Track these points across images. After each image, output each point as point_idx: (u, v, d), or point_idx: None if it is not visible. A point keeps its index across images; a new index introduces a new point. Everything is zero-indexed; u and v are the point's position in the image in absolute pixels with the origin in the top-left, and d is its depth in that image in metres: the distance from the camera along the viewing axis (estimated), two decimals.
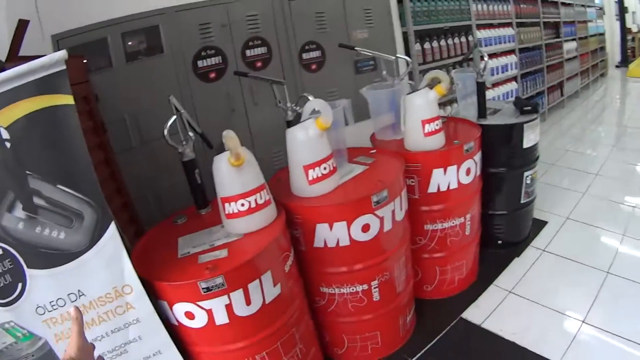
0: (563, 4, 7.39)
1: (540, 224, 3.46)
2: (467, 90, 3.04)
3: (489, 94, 4.83)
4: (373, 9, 3.47)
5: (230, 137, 1.62)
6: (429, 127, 2.33)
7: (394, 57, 2.78)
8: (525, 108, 2.99)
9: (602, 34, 10.25)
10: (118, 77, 2.41)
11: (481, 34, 4.84)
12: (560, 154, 5.15)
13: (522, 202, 3.10)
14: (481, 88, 2.90)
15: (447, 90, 2.38)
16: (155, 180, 2.52)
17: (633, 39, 13.65)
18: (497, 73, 5.23)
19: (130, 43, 2.43)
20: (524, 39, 5.86)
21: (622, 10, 12.05)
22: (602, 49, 10.30)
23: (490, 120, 2.94)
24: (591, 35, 9.13)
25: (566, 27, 7.51)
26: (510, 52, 5.53)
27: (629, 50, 12.72)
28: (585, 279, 2.77)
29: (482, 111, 2.94)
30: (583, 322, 2.39)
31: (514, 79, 5.66)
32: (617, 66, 12.01)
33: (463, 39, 4.42)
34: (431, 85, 2.38)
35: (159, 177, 2.52)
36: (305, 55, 3.11)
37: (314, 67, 3.17)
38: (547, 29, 6.76)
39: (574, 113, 7.29)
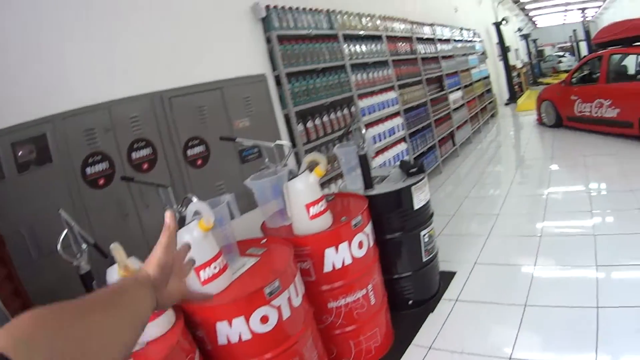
0: (444, 57, 8.31)
1: (448, 276, 3.79)
2: (351, 164, 3.40)
3: (379, 159, 5.30)
4: (252, 96, 3.81)
5: (116, 249, 1.77)
6: (313, 210, 2.61)
7: (272, 144, 3.03)
8: (411, 170, 3.39)
9: (487, 77, 11.54)
10: (11, 189, 2.46)
11: (363, 102, 5.28)
12: (460, 202, 5.64)
13: (424, 260, 3.43)
14: (363, 160, 3.27)
15: (326, 170, 2.68)
16: (60, 291, 2.47)
17: (518, 75, 15.55)
18: (385, 137, 5.65)
19: (20, 153, 2.49)
20: (408, 99, 6.46)
21: (504, 50, 13.73)
22: (489, 91, 11.60)
23: (378, 189, 3.31)
24: (476, 81, 10.28)
25: (449, 78, 8.41)
26: (396, 114, 6.05)
27: (516, 86, 14.46)
28: (504, 318, 3.05)
29: (367, 182, 3.31)
30: (510, 358, 2.64)
31: (403, 139, 6.16)
32: (506, 104, 13.56)
33: (346, 111, 4.81)
34: (311, 168, 2.65)
35: (63, 288, 2.49)
36: (189, 152, 3.31)
37: (199, 162, 3.36)
38: (431, 85, 7.53)
39: (469, 159, 8.02)
